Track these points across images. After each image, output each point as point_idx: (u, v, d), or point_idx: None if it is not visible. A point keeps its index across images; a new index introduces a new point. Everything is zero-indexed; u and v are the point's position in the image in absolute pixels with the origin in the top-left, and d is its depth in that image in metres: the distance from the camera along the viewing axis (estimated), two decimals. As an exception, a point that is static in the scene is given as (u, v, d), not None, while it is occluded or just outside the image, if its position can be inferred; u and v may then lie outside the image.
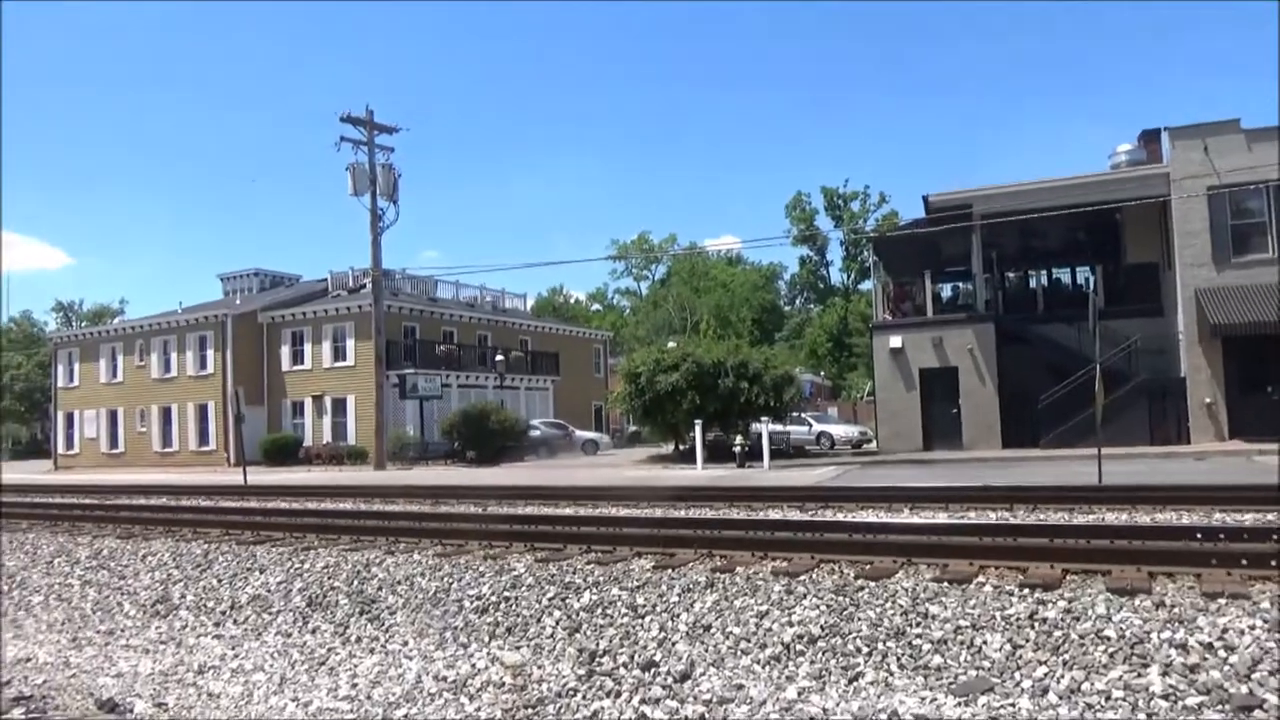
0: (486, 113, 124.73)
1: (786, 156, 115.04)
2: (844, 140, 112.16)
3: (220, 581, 8.24)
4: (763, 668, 5.10)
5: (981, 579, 5.86)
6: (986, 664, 4.69)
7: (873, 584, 5.90)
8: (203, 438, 40.29)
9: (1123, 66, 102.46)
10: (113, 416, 43.49)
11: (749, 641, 5.37)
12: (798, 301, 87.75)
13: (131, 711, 5.54)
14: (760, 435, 23.98)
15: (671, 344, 35.09)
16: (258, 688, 5.95)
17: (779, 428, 28.13)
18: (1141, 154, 27.99)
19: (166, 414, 41.47)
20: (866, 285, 69.32)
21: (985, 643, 4.86)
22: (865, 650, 5.04)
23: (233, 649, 6.79)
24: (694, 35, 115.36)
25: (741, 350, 29.00)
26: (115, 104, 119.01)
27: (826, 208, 76.07)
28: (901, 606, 5.45)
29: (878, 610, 5.44)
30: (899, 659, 4.91)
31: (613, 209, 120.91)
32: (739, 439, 24.39)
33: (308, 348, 39.71)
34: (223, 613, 7.60)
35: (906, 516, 10.13)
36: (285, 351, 40.22)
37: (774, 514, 11.02)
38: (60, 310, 79.59)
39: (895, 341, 27.51)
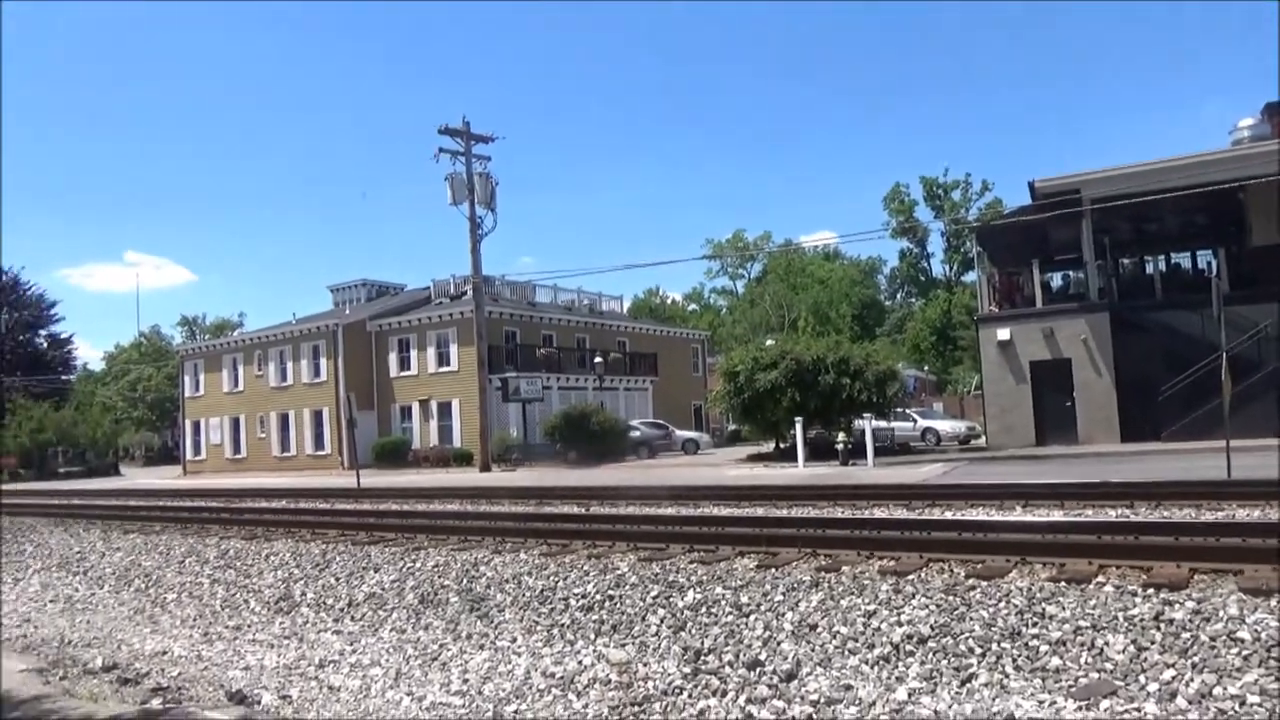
0: (580, 116, 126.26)
1: (883, 148, 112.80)
2: (943, 128, 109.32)
3: (338, 580, 8.57)
4: (871, 668, 5.02)
5: (1102, 579, 5.62)
6: (1109, 666, 4.50)
7: (985, 583, 5.74)
8: (318, 442, 41.93)
9: (1242, 35, 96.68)
10: (235, 423, 45.68)
11: (856, 641, 5.28)
12: (899, 295, 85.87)
13: (259, 703, 5.81)
14: (863, 432, 23.55)
15: (769, 342, 34.77)
16: (375, 682, 6.17)
17: (882, 424, 27.57)
18: (1266, 128, 26.33)
19: (284, 420, 43.32)
20: (970, 277, 67.34)
21: (1107, 644, 4.66)
22: (978, 651, 4.90)
23: (351, 644, 7.05)
24: (783, 28, 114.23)
25: (842, 346, 28.54)
26: (229, 128, 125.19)
27: (926, 198, 74.24)
28: (1016, 606, 5.27)
29: (991, 610, 5.28)
30: (1015, 660, 4.76)
31: (707, 208, 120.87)
32: (841, 436, 24.01)
33: (414, 354, 40.88)
34: (341, 610, 7.90)
35: (1019, 514, 9.80)
36: (393, 358, 41.51)
37: (879, 512, 10.82)
38: (185, 324, 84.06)
39: (1003, 333, 26.63)
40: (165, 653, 7.37)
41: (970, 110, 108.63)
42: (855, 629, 5.41)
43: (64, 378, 64.28)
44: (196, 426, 47.77)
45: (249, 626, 8.02)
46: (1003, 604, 5.34)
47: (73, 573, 11.23)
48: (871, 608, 5.61)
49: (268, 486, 24.33)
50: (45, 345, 63.98)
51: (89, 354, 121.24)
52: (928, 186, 73.53)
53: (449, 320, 39.74)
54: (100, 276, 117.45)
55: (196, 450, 47.62)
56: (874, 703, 4.65)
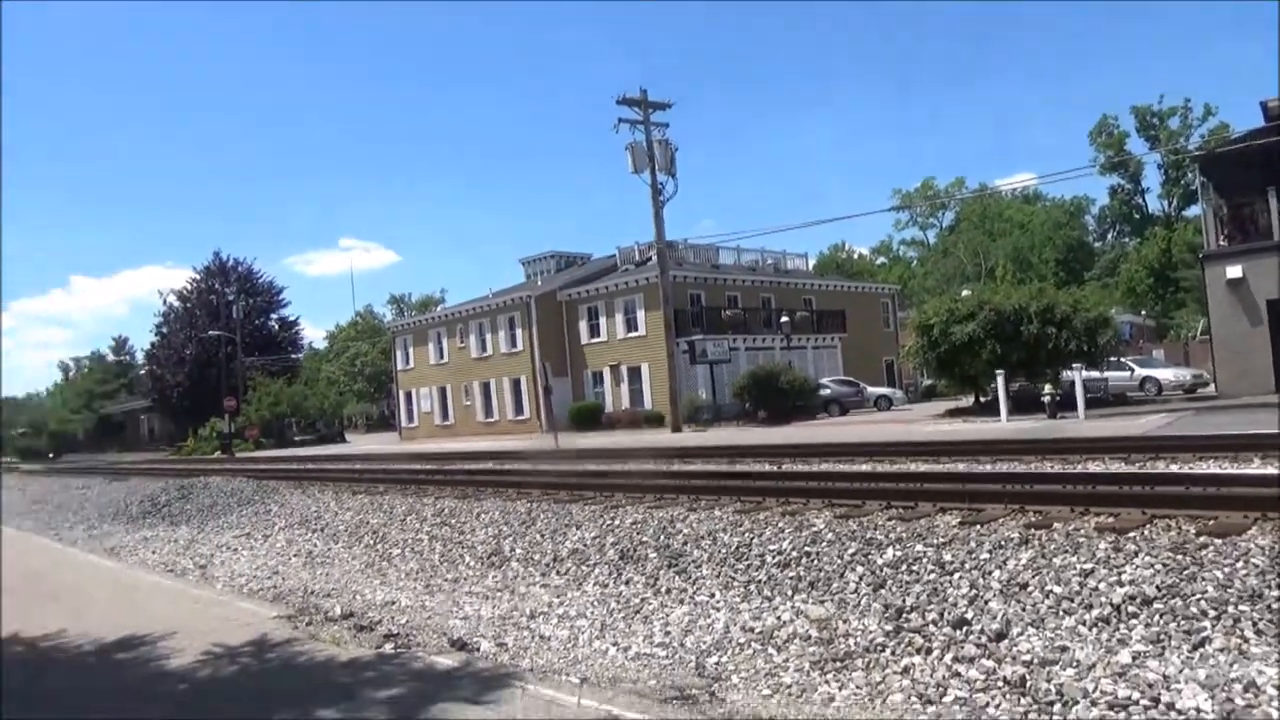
0: (756, 72, 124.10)
1: (1087, 77, 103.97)
2: (1155, 50, 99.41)
3: (543, 537, 9.00)
4: (1089, 629, 4.75)
5: (1361, 535, 5.05)
6: (1373, 632, 4.05)
7: (1218, 541, 5.29)
8: (518, 408, 43.94)
9: None
10: (442, 393, 48.62)
11: (1072, 601, 5.01)
12: (1109, 236, 79.49)
13: (478, 650, 6.22)
14: (1072, 383, 22.10)
15: (965, 292, 33.19)
16: (582, 632, 6.46)
17: (1094, 374, 25.78)
18: None
19: (486, 388, 45.68)
20: (1193, 211, 61.52)
21: (1370, 607, 4.19)
22: (1212, 614, 4.53)
23: (558, 597, 7.41)
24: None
25: (1046, 293, 26.85)
26: (421, 115, 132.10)
27: (1139, 129, 67.89)
28: (1256, 566, 4.83)
29: (1226, 570, 4.86)
30: (1255, 624, 4.37)
31: (894, 156, 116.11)
32: (1048, 388, 22.65)
33: (603, 321, 41.94)
34: (547, 564, 8.31)
35: (1257, 467, 8.94)
36: (583, 326, 42.75)
37: (1094, 466, 10.18)
38: (394, 303, 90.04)
39: (1234, 271, 24.13)
40: (393, 603, 8.02)
41: (1191, 26, 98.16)
42: (1070, 589, 5.12)
43: (294, 356, 70.47)
44: (409, 396, 51.21)
45: (465, 579, 8.58)
46: (1240, 563, 4.90)
47: (311, 530, 12.38)
48: (1088, 566, 5.30)
49: (475, 450, 25.78)
50: (277, 328, 70.26)
51: (313, 334, 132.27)
52: (1140, 116, 67.22)
53: (635, 286, 40.42)
54: (319, 263, 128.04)
55: (410, 418, 51.08)
56: (1094, 665, 4.40)
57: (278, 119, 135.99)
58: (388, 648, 6.32)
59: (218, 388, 55.14)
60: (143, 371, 78.90)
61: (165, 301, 69.63)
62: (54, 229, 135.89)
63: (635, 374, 40.12)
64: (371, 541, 10.88)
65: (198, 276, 68.70)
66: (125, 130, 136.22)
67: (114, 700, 5.44)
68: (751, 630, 5.85)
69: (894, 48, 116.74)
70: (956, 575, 5.70)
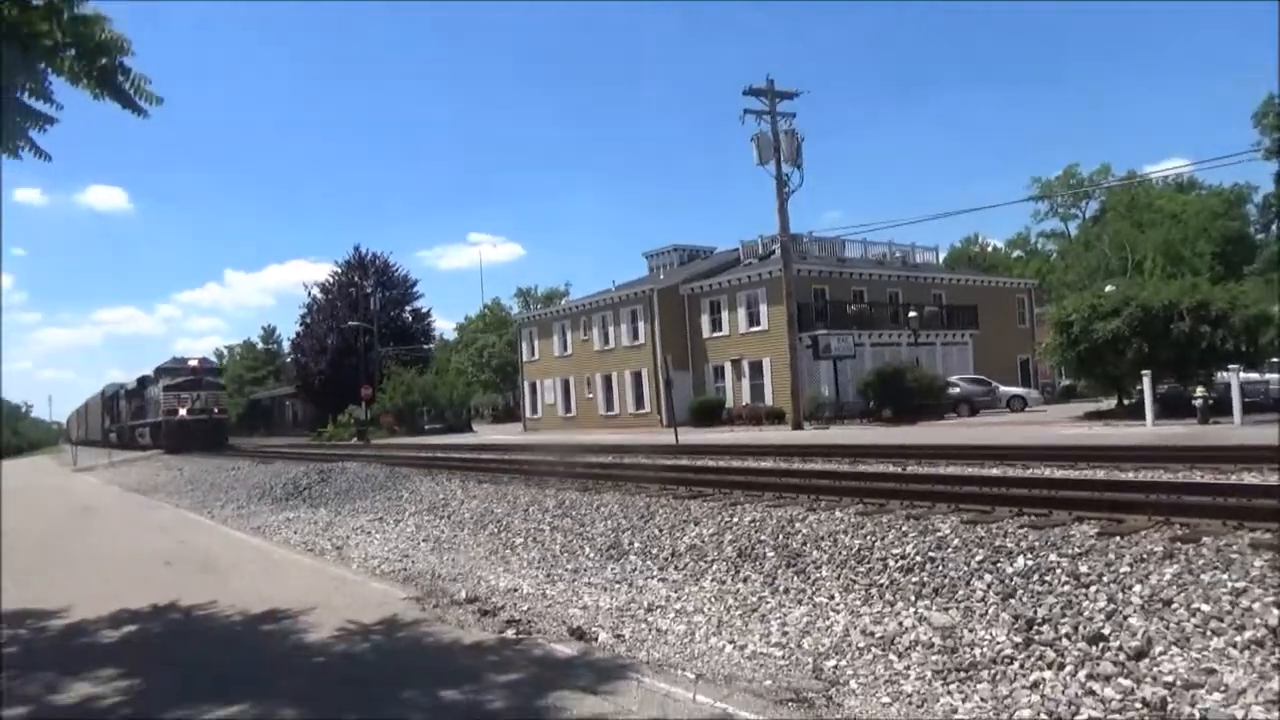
0: (887, 58, 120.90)
1: (1248, 52, 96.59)
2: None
3: (661, 531, 9.05)
4: (1240, 652, 4.43)
5: None
6: None
7: (1396, 563, 4.84)
8: (638, 401, 44.30)
9: None
10: (565, 385, 49.50)
11: (1221, 621, 4.69)
12: (1274, 227, 73.71)
13: (596, 640, 6.31)
14: (1228, 386, 20.65)
15: (1110, 287, 31.46)
16: (698, 628, 6.47)
17: (1254, 376, 24.02)
18: None
19: (608, 381, 46.22)
20: (1373, 199, 56.31)
21: None
22: (1385, 642, 4.16)
23: (675, 592, 7.44)
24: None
25: (1200, 289, 25.14)
26: (546, 109, 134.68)
27: (1310, 110, 62.56)
28: None
29: (1402, 595, 4.45)
30: None
31: (1032, 143, 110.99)
32: (1200, 391, 21.24)
33: (725, 315, 41.77)
34: (665, 559, 8.35)
35: None
36: (705, 320, 42.69)
37: (1250, 477, 9.49)
38: (520, 295, 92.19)
39: None
40: (515, 590, 8.23)
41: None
42: (1220, 608, 4.79)
43: (425, 347, 72.95)
44: (533, 387, 52.37)
45: (584, 570, 8.72)
46: None
47: (439, 516, 12.83)
48: (1240, 585, 4.94)
49: (595, 442, 26.11)
50: (410, 319, 72.91)
51: (444, 325, 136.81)
52: (1312, 96, 61.94)
53: (758, 280, 40.07)
54: (449, 257, 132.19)
55: (534, 409, 52.23)
56: (1244, 690, 4.11)
57: (412, 123, 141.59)
58: (510, 633, 6.49)
59: (355, 376, 57.66)
60: (288, 359, 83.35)
61: (309, 293, 73.30)
62: (210, 228, 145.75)
63: (757, 369, 39.80)
64: (495, 530, 11.18)
65: (339, 270, 71.93)
66: (276, 140, 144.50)
67: (259, 669, 5.79)
68: (872, 635, 5.72)
69: (1041, 28, 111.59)
70: (1093, 588, 5.41)
